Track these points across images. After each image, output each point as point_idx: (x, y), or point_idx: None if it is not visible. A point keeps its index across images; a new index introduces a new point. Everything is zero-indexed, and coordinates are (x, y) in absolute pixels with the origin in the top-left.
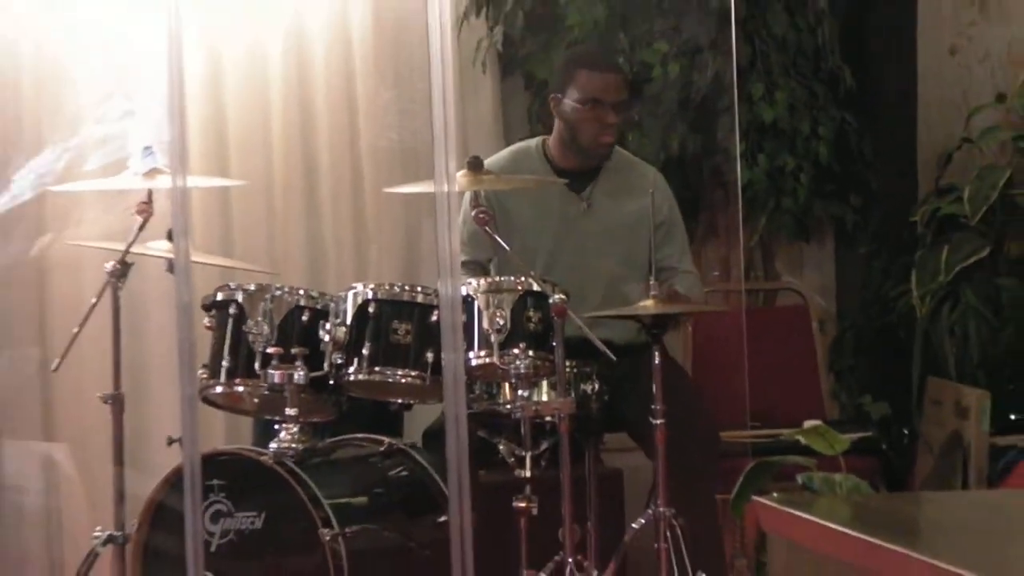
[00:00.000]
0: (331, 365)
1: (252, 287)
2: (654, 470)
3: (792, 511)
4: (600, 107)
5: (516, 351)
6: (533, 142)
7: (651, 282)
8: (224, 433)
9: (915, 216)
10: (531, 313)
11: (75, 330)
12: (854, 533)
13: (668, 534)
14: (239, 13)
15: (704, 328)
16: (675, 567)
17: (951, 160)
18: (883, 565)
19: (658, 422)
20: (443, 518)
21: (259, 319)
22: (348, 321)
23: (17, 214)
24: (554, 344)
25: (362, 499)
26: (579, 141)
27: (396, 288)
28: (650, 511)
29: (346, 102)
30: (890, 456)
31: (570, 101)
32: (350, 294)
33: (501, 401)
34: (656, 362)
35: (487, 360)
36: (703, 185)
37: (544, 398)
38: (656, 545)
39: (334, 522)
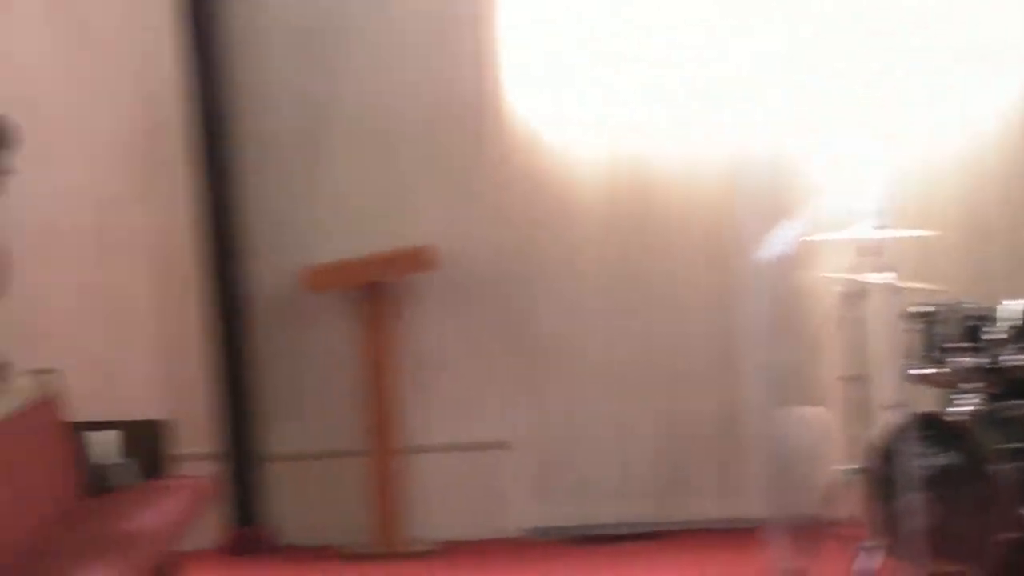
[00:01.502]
0: (995, 354)
1: (939, 302)
2: None
3: None
4: None
5: None
6: None
7: None
8: (926, 401)
9: None
10: None
11: (822, 333)
12: None
13: None
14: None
15: None
16: None
17: None
18: None
19: None
20: None
21: (944, 323)
22: (1007, 325)
23: (786, 258)
24: None
25: (1020, 444)
26: None
27: None
28: None
29: None
30: None
31: None
32: (1009, 306)
33: None
34: None
35: None
36: None
37: None
38: None
39: (1000, 459)
